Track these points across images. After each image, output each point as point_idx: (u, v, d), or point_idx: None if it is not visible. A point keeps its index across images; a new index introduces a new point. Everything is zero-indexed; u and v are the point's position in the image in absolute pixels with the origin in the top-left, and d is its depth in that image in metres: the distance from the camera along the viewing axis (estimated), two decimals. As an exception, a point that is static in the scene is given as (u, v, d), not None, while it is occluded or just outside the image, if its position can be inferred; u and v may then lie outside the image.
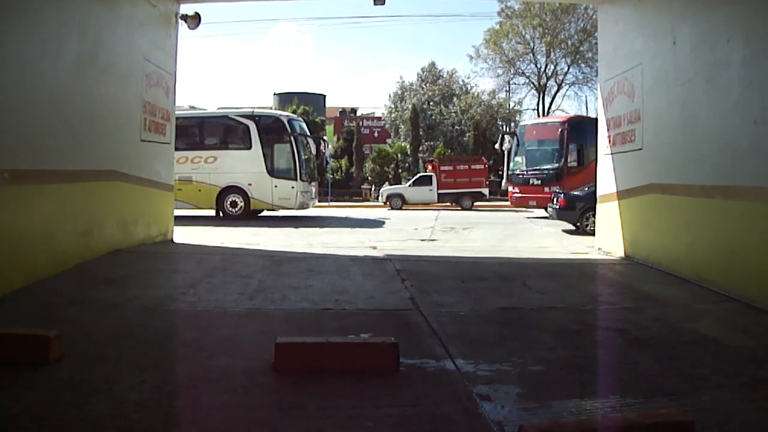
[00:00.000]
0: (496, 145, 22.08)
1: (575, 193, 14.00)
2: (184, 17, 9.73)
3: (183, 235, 10.30)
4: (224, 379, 3.49)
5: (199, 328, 4.57)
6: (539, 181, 17.90)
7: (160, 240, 9.26)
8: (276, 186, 15.55)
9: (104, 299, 5.38)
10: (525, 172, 18.50)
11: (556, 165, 17.74)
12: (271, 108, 34.29)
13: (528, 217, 18.41)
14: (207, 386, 3.39)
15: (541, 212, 18.53)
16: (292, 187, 15.50)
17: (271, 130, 15.70)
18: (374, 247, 9.87)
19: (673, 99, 7.24)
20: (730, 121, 6.06)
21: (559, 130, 17.64)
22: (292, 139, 15.55)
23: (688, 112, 6.90)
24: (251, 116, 15.97)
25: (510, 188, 19.27)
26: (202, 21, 9.82)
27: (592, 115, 30.26)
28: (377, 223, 15.92)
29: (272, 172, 15.61)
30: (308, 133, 17.30)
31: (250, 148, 15.58)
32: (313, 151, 17.39)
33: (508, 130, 29.29)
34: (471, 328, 4.76)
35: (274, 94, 43.26)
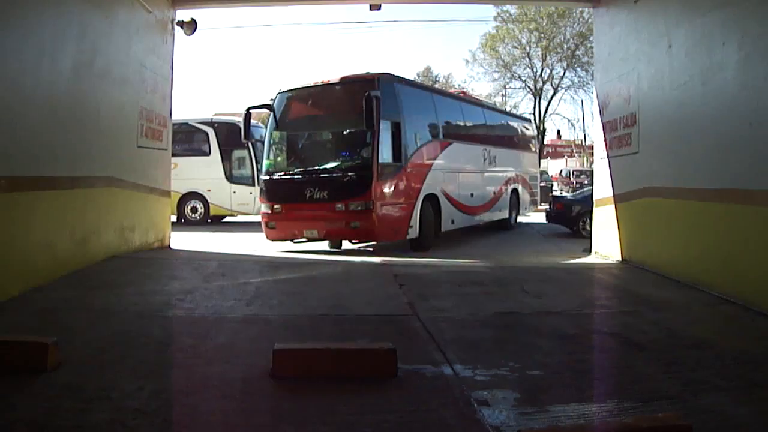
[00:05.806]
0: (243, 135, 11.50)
1: (571, 197, 14.02)
2: (181, 23, 9.76)
3: (180, 241, 10.30)
4: (222, 385, 3.49)
5: (197, 335, 4.56)
6: (325, 193, 9.50)
7: (158, 246, 9.25)
8: (234, 192, 15.72)
9: (102, 306, 5.36)
10: (294, 176, 10.06)
11: (359, 162, 9.57)
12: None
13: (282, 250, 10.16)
14: (205, 393, 3.39)
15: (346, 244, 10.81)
16: (250, 193, 15.58)
17: (229, 136, 15.72)
18: (372, 252, 9.87)
19: (668, 102, 7.26)
20: (725, 124, 6.09)
21: (359, 95, 9.05)
22: (250, 145, 15.65)
23: (683, 116, 6.93)
24: (210, 123, 16.18)
25: (263, 205, 10.31)
26: (198, 27, 9.87)
27: (589, 119, 30.30)
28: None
29: (231, 178, 15.78)
30: None
31: (209, 154, 15.75)
32: None
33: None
34: (469, 333, 4.77)
35: (271, 99, 43.20)
